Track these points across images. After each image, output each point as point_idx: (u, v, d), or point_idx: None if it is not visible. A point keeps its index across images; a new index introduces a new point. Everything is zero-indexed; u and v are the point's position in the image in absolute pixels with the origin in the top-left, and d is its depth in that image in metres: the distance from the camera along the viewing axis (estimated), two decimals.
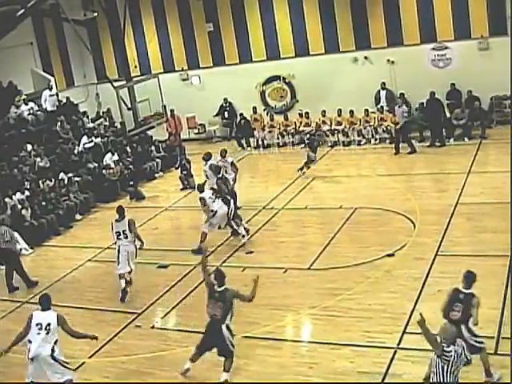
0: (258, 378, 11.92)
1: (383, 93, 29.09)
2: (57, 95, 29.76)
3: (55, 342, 11.42)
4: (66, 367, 11.55)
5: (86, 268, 18.76)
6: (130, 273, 16.26)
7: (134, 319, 14.95)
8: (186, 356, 12.93)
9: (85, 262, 19.13)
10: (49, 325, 11.45)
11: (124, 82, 28.95)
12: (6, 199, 21.77)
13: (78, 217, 23.29)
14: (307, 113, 29.81)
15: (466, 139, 26.34)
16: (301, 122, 29.93)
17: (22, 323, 15.49)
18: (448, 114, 27.11)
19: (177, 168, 26.56)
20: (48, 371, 11.38)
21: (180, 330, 14.32)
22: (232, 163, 21.06)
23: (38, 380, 11.44)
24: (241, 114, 31.25)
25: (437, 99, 27.14)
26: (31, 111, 28.31)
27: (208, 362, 12.54)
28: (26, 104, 28.53)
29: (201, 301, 15.39)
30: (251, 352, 12.86)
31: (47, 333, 11.40)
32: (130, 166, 26.41)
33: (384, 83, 28.89)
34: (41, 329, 11.45)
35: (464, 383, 10.74)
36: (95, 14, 30.29)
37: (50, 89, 29.46)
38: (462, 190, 20.57)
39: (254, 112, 31.04)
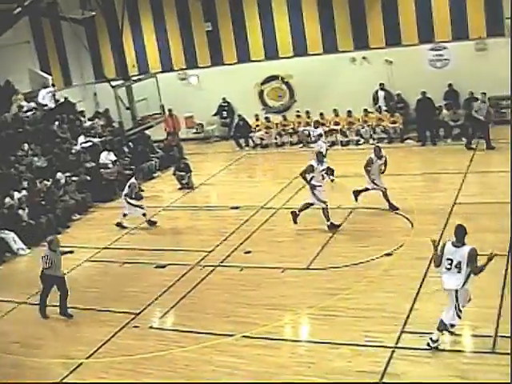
0: (256, 377, 11.89)
1: (381, 93, 29.13)
2: (53, 95, 29.75)
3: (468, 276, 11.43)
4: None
5: (83, 268, 18.72)
6: None
7: (131, 319, 14.90)
8: (184, 356, 12.94)
9: (82, 262, 19.08)
10: (459, 263, 11.40)
11: (122, 82, 28.95)
12: (7, 199, 21.75)
13: (75, 217, 23.25)
14: (308, 112, 29.83)
15: (463, 139, 26.35)
16: (299, 122, 29.95)
17: (19, 324, 15.64)
18: (446, 115, 27.08)
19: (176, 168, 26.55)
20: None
21: (178, 331, 14.27)
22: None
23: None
24: (239, 115, 31.23)
25: (428, 98, 27.13)
26: (29, 109, 28.34)
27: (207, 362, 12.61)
28: (29, 102, 28.57)
29: (199, 301, 15.48)
30: (250, 352, 12.83)
31: (458, 271, 11.41)
32: (129, 166, 26.38)
33: (382, 84, 28.91)
34: (450, 264, 11.52)
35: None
36: (93, 13, 30.34)
37: (46, 87, 29.48)
38: (460, 189, 20.60)
39: (257, 119, 31.09)
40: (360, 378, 11.38)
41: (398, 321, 13.02)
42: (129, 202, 21.39)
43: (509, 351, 11.03)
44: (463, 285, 11.44)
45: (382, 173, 19.71)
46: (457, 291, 11.49)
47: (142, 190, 23.45)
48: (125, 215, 21.61)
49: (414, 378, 11.12)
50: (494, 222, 17.09)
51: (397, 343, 12.27)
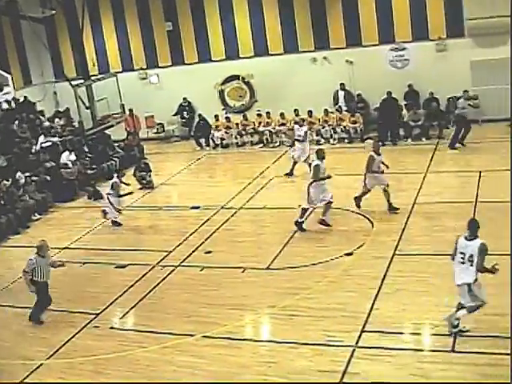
0: (217, 377, 11.88)
1: (342, 93, 29.27)
2: (13, 97, 29.49)
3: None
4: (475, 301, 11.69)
5: None
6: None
7: (92, 320, 14.80)
8: (144, 356, 12.89)
9: None
10: (471, 256, 11.50)
11: (82, 81, 28.74)
12: None
13: (35, 216, 23.01)
14: (268, 112, 29.83)
15: (423, 139, 26.61)
16: (260, 122, 29.96)
17: None
18: (407, 115, 27.29)
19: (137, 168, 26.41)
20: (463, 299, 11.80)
21: (139, 331, 14.20)
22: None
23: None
24: (199, 115, 31.15)
25: (393, 98, 27.39)
26: None
27: (168, 362, 12.57)
28: None
29: (159, 301, 15.42)
30: (211, 352, 12.81)
31: (471, 265, 11.48)
32: (89, 166, 26.22)
33: (343, 84, 29.06)
34: (463, 258, 11.61)
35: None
36: (53, 12, 30.10)
37: (1, 89, 29.20)
38: (420, 189, 20.78)
39: (217, 119, 30.92)
40: (321, 378, 11.42)
41: (359, 320, 13.09)
42: (110, 202, 21.18)
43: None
44: (475, 279, 11.57)
45: (382, 172, 19.54)
46: (470, 285, 11.59)
47: (130, 192, 23.06)
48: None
49: (374, 377, 11.18)
50: (454, 221, 17.18)
51: (357, 342, 12.33)
